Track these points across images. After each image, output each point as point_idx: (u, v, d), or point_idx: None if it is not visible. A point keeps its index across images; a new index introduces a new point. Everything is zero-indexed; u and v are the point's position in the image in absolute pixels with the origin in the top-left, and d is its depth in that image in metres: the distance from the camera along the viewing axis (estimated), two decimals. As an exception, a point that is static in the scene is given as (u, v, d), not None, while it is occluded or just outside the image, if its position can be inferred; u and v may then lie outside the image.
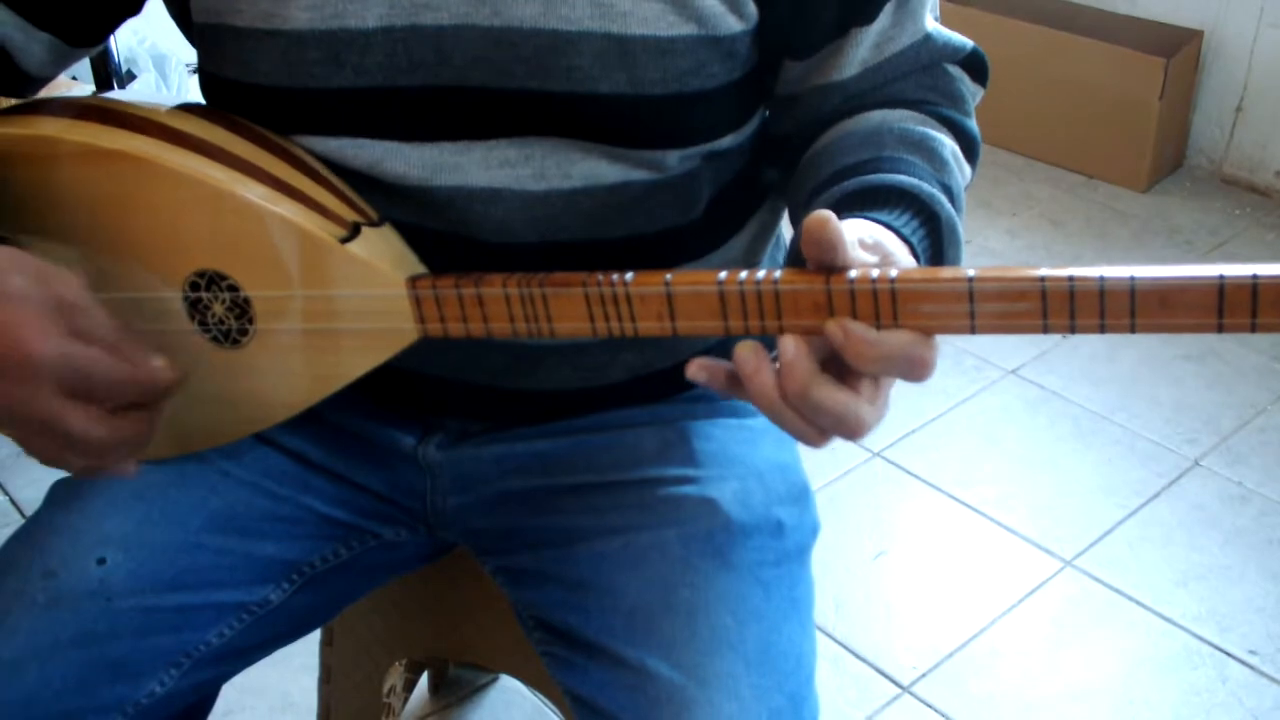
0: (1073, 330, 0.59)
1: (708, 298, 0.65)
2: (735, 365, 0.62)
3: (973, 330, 0.61)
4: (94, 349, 0.69)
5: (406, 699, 1.41)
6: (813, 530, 0.90)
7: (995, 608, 1.70)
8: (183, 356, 0.77)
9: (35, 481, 1.89)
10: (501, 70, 0.75)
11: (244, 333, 0.78)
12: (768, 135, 0.88)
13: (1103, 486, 1.92)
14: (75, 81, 2.29)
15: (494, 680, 1.59)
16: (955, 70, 0.84)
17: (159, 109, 0.79)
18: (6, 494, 1.89)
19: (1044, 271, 0.59)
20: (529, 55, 0.75)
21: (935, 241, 0.71)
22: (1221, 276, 0.56)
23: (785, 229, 1.00)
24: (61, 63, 0.86)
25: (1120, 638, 1.66)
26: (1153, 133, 2.69)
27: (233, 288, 0.76)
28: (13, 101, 0.84)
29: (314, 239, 0.74)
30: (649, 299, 0.67)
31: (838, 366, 0.61)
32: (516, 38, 0.74)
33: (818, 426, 0.61)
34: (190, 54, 0.83)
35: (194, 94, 0.85)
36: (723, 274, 0.65)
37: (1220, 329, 0.57)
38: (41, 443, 0.71)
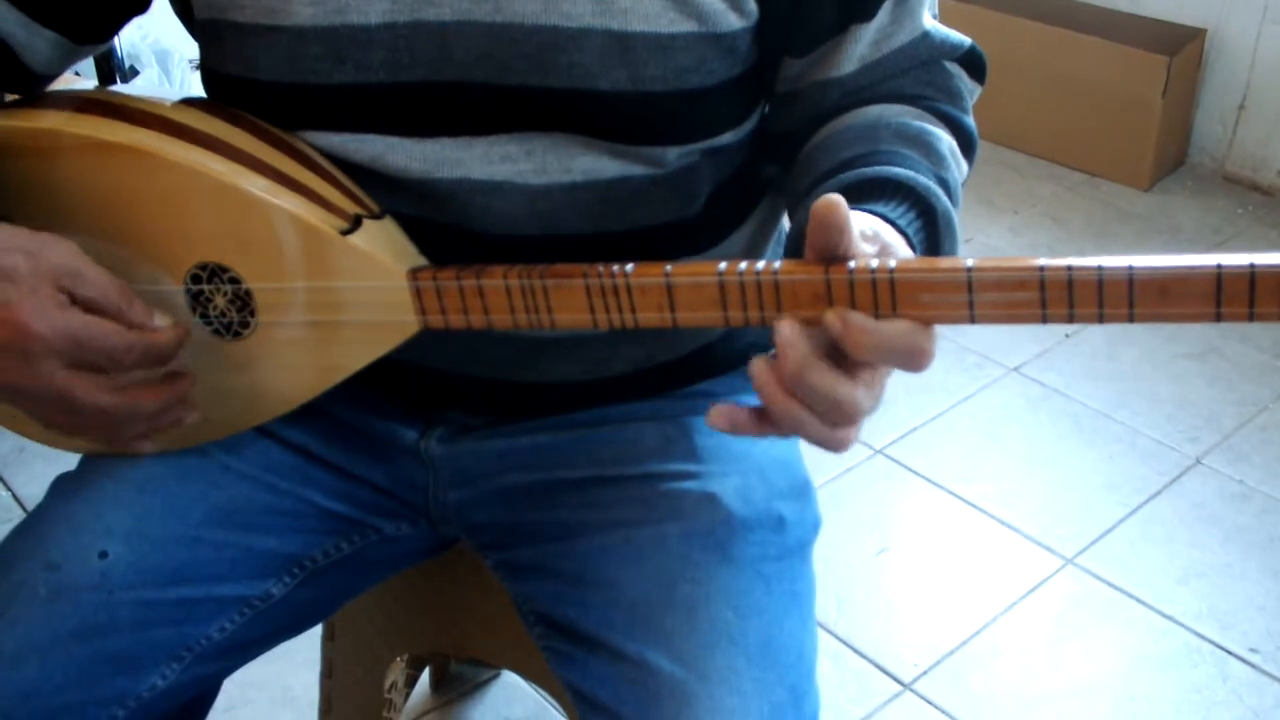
0: (1071, 320, 0.59)
1: (708, 288, 0.65)
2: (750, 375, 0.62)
3: (972, 320, 0.61)
4: (93, 317, 0.70)
5: (408, 694, 1.41)
6: (814, 525, 0.90)
7: (996, 605, 1.70)
8: (184, 349, 0.77)
9: (37, 477, 1.89)
10: (503, 66, 0.75)
11: (245, 325, 0.78)
12: (767, 132, 0.88)
13: (1104, 484, 1.92)
14: (78, 77, 2.29)
15: (495, 676, 1.59)
16: (953, 67, 0.85)
17: (161, 103, 0.79)
18: (9, 489, 1.90)
19: (1042, 261, 0.59)
20: (530, 51, 0.75)
21: (931, 234, 0.71)
22: (1219, 266, 0.56)
23: (786, 224, 1.00)
24: (67, 61, 0.86)
25: (1121, 635, 1.66)
26: (1155, 131, 2.69)
27: (234, 280, 0.76)
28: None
29: (315, 231, 0.74)
30: (649, 290, 0.67)
31: (837, 357, 0.61)
32: (518, 34, 0.74)
33: (817, 414, 0.61)
34: (193, 50, 0.83)
35: (196, 90, 0.85)
36: (722, 265, 0.65)
37: (1218, 318, 0.57)
38: (58, 418, 0.73)
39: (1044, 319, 0.60)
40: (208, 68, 0.82)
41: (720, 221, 0.88)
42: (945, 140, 0.78)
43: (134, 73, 2.41)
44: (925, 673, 1.60)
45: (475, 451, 0.91)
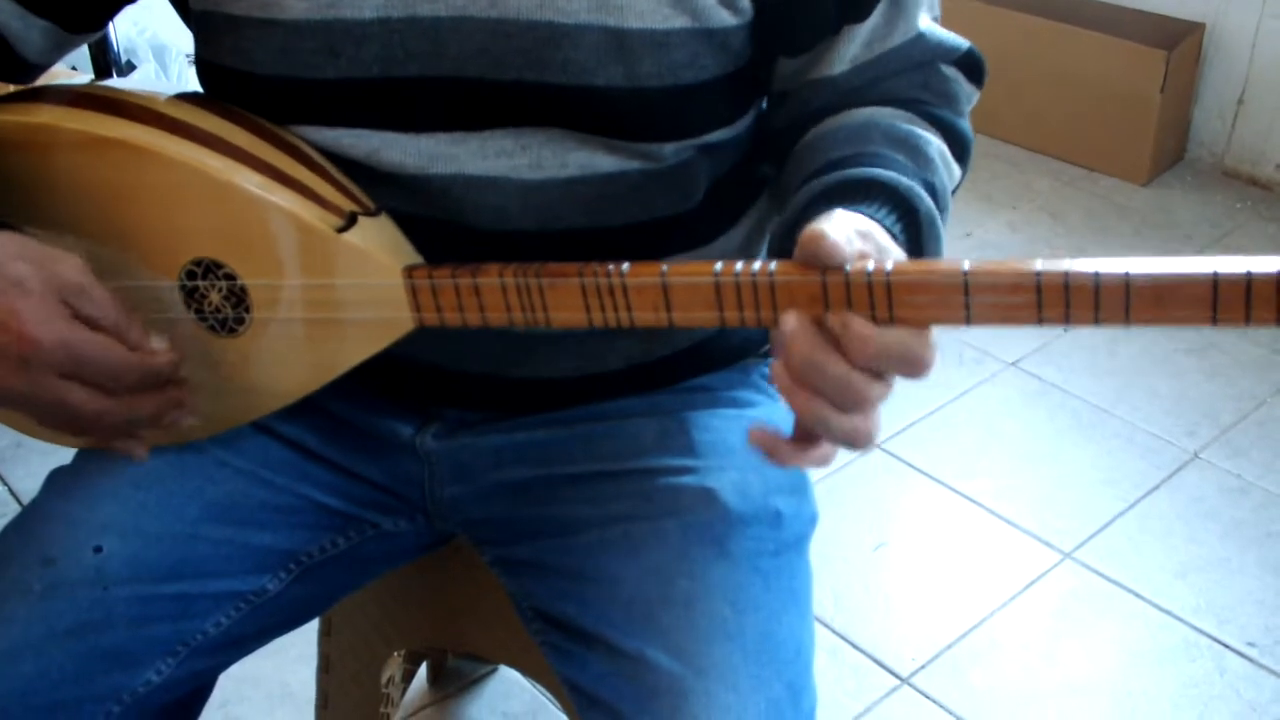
0: (1067, 323, 0.60)
1: (703, 289, 0.65)
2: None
3: (968, 322, 0.61)
4: (96, 335, 0.71)
5: (405, 689, 1.41)
6: (811, 520, 0.90)
7: (994, 599, 1.70)
8: (179, 345, 0.77)
9: (34, 472, 1.89)
10: (498, 62, 0.75)
11: (240, 321, 0.78)
12: (762, 130, 0.88)
13: (1102, 479, 1.92)
14: (75, 71, 2.28)
15: (493, 671, 1.59)
16: (950, 70, 0.85)
17: (157, 98, 0.79)
18: (5, 484, 1.89)
19: (1039, 265, 0.59)
20: (526, 47, 0.75)
21: (914, 236, 0.71)
22: (1215, 274, 0.56)
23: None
24: (61, 49, 0.86)
25: (1119, 630, 1.66)
26: (1154, 125, 2.69)
27: (229, 276, 0.76)
28: (11, 89, 0.84)
29: (311, 228, 0.74)
30: (645, 290, 0.67)
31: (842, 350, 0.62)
32: (513, 29, 0.74)
33: (833, 402, 0.62)
34: (189, 44, 0.83)
35: (193, 84, 0.84)
36: (719, 265, 0.65)
37: (1214, 323, 0.57)
38: (54, 421, 0.74)
39: (1040, 321, 0.60)
40: (203, 59, 0.82)
41: (717, 217, 0.88)
42: (935, 144, 0.79)
43: (130, 67, 2.40)
44: (923, 667, 1.60)
45: (472, 447, 0.91)
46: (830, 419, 0.62)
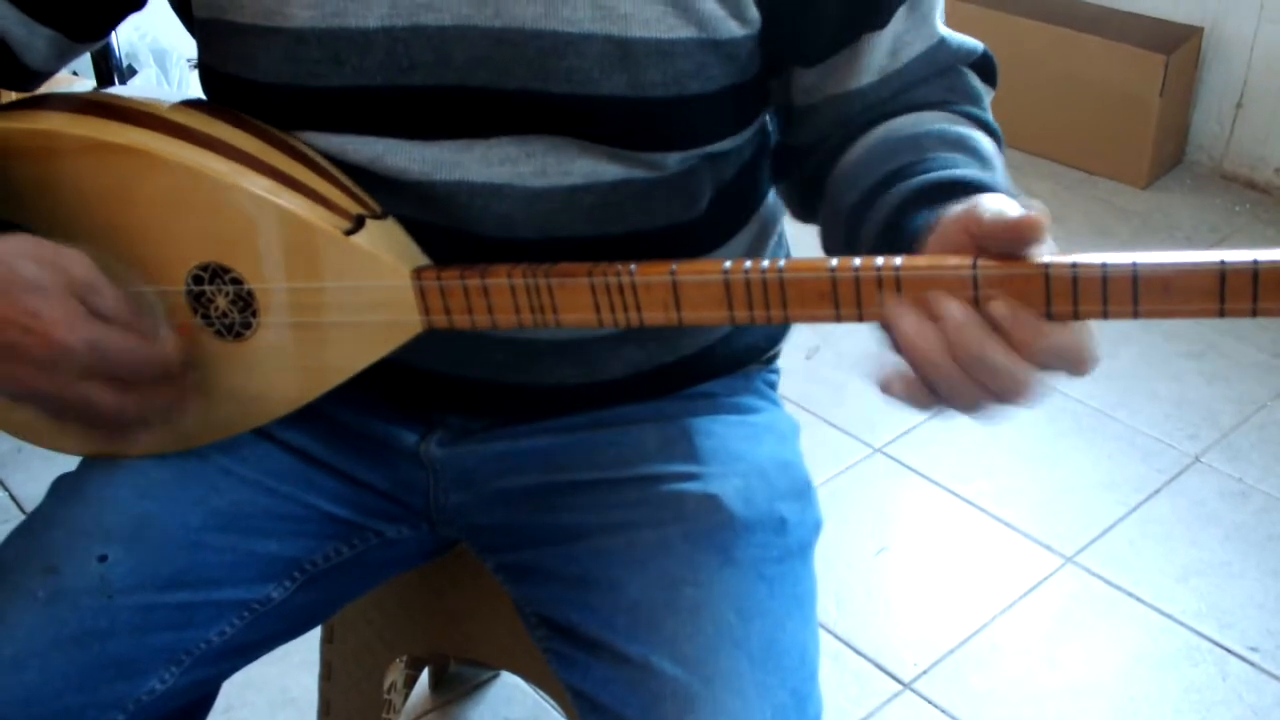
0: (1076, 317, 0.59)
1: (713, 287, 0.65)
2: (894, 328, 0.61)
3: None
4: (114, 330, 0.71)
5: (407, 695, 1.40)
6: (815, 526, 0.90)
7: (996, 604, 1.70)
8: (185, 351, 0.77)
9: (35, 478, 1.89)
10: (502, 71, 0.75)
11: (247, 326, 0.78)
12: (788, 145, 0.87)
13: (1103, 483, 1.92)
14: (76, 77, 2.28)
15: (494, 677, 1.59)
16: (968, 72, 0.84)
17: (161, 104, 0.79)
18: (6, 490, 1.89)
19: (1048, 259, 0.59)
20: (530, 56, 0.75)
21: None
22: (1223, 262, 0.56)
23: (787, 226, 1.00)
24: (64, 58, 0.86)
25: (1120, 634, 1.65)
26: (1153, 129, 2.69)
27: (236, 281, 0.76)
28: (14, 96, 0.84)
29: (318, 231, 0.74)
30: (654, 288, 0.67)
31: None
32: (518, 39, 0.74)
33: (983, 386, 0.60)
34: (191, 49, 0.83)
35: (195, 89, 0.84)
36: (728, 263, 0.65)
37: (1222, 314, 0.58)
38: (70, 417, 0.73)
39: (1050, 316, 0.60)
40: (207, 67, 0.81)
41: (720, 225, 0.87)
42: (985, 142, 0.77)
43: (132, 72, 2.40)
44: (925, 672, 1.60)
45: (476, 454, 0.91)
46: (985, 406, 0.60)
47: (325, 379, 0.79)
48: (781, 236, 0.98)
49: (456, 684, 1.58)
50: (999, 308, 0.59)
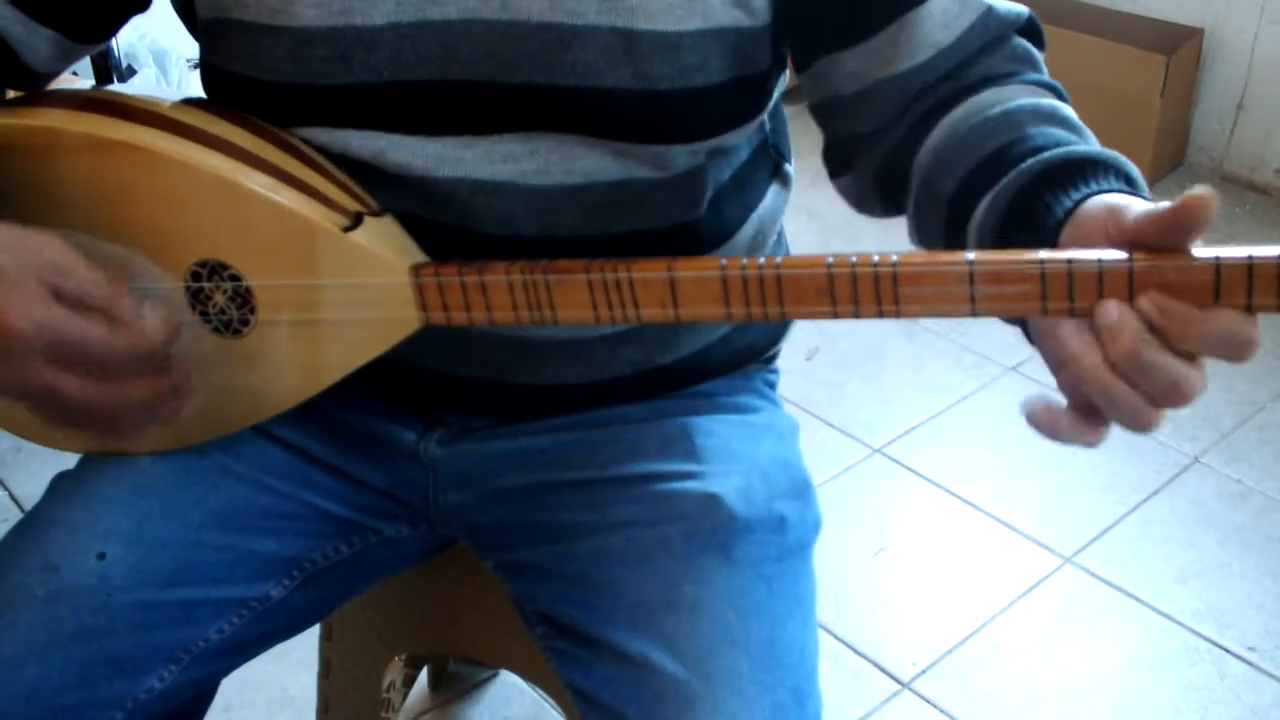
0: (1072, 313, 0.59)
1: (710, 284, 0.66)
2: (1058, 348, 0.59)
3: (973, 313, 0.61)
4: (76, 316, 0.68)
5: (406, 694, 1.41)
6: (815, 526, 0.90)
7: (995, 604, 1.70)
8: (183, 347, 0.76)
9: (34, 476, 1.89)
10: (508, 64, 0.75)
11: (245, 323, 0.78)
12: (843, 139, 0.85)
13: (1102, 483, 1.92)
14: (75, 76, 2.28)
15: (493, 676, 1.59)
16: (1019, 38, 0.81)
17: (161, 102, 0.79)
18: (5, 489, 1.89)
19: (1043, 254, 0.59)
20: (536, 49, 0.74)
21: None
22: (1218, 259, 0.56)
23: (788, 224, 1.00)
24: (67, 59, 0.86)
25: (1119, 634, 1.66)
26: (1153, 130, 2.69)
27: (234, 277, 0.76)
28: (15, 93, 0.84)
29: (317, 228, 0.74)
30: (652, 285, 0.67)
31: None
32: (523, 31, 0.74)
33: (1149, 395, 0.57)
34: (190, 49, 0.83)
35: (194, 89, 0.84)
36: (725, 260, 0.65)
37: None
38: (50, 411, 0.71)
39: (1045, 312, 0.60)
40: (210, 65, 0.81)
41: (720, 225, 0.87)
42: (1071, 112, 0.74)
43: (131, 72, 2.40)
44: (924, 672, 1.60)
45: (475, 453, 0.91)
46: (1142, 411, 0.58)
47: (324, 376, 0.79)
48: (781, 236, 0.98)
49: (455, 683, 1.58)
50: (1143, 304, 0.57)
